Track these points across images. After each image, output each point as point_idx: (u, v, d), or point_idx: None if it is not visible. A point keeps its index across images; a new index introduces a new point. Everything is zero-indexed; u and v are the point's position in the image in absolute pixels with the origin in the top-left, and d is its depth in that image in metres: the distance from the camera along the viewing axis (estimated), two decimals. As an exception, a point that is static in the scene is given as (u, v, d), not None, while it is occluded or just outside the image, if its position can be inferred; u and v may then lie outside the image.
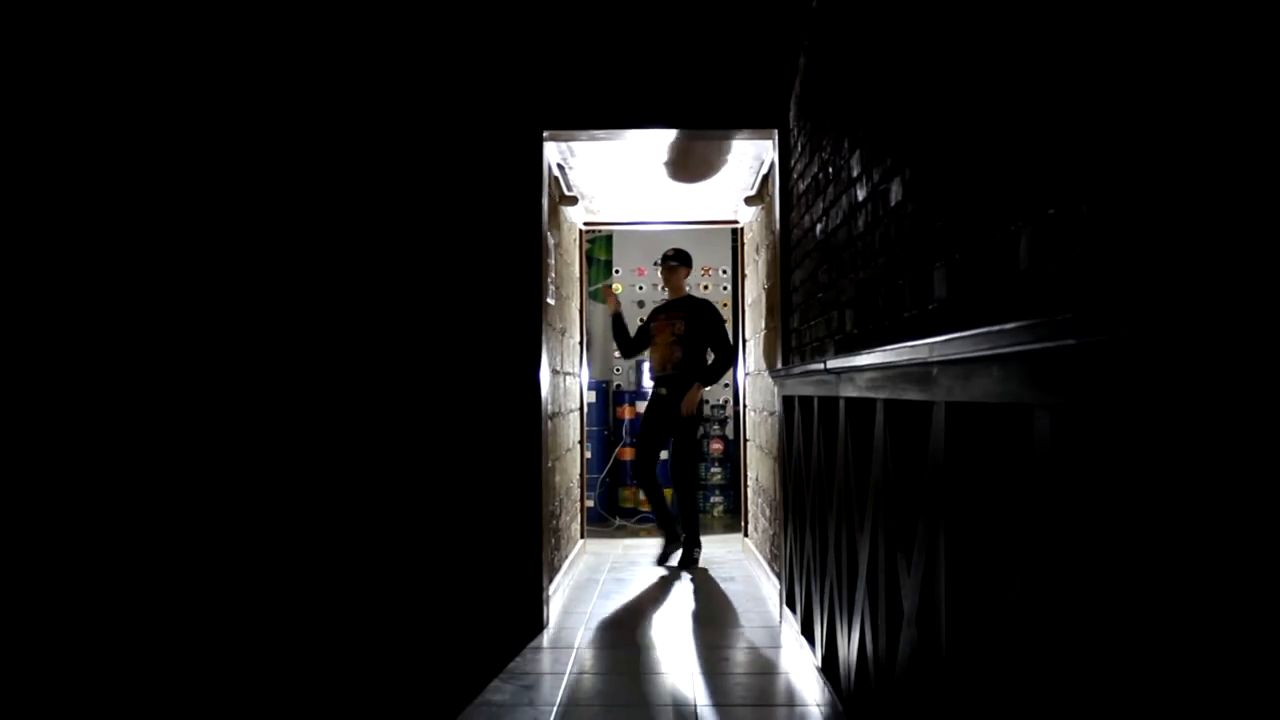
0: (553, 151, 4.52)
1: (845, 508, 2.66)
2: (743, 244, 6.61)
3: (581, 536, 6.23)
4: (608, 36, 4.22)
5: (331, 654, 3.83)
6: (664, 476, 6.89)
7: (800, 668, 3.47)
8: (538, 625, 4.13)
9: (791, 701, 3.17)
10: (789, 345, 4.13)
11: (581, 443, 6.39)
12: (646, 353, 6.08)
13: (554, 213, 4.95)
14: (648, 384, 5.86)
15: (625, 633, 4.12)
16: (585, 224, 6.60)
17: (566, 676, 3.47)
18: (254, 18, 4.10)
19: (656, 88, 4.20)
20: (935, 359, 1.67)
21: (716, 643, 3.94)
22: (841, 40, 3.01)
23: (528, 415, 4.15)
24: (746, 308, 6.32)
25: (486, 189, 4.18)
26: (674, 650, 3.83)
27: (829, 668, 3.02)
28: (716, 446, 7.80)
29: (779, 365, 4.23)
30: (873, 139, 2.53)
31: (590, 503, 6.91)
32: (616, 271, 8.18)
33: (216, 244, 4.04)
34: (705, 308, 5.77)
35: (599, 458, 7.35)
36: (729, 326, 6.16)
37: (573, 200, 5.52)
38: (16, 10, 3.91)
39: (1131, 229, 1.12)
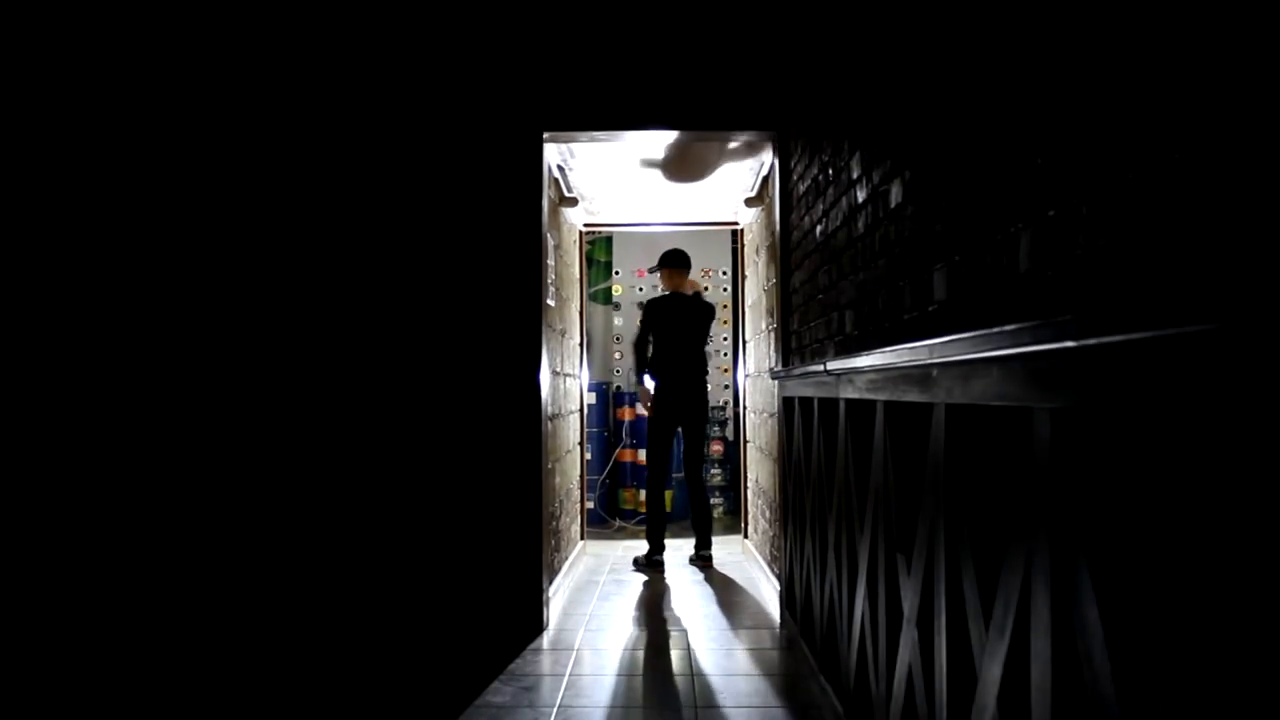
0: (553, 152, 4.52)
1: (845, 509, 2.66)
2: (743, 245, 6.61)
3: (581, 538, 6.23)
4: (608, 38, 4.22)
5: (332, 655, 3.83)
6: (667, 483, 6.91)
7: (800, 669, 3.47)
8: (538, 627, 4.13)
9: (792, 702, 3.17)
10: (789, 346, 4.13)
11: (581, 444, 6.39)
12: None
13: (554, 214, 4.95)
14: (647, 384, 5.84)
15: (625, 634, 4.12)
16: (585, 225, 6.60)
17: (566, 678, 3.46)
18: (255, 19, 4.10)
19: (657, 89, 4.21)
20: (935, 360, 1.67)
21: (717, 644, 3.94)
22: (842, 42, 3.02)
23: (528, 417, 4.15)
24: (746, 309, 6.32)
25: (486, 190, 4.18)
26: (674, 651, 3.83)
27: (829, 669, 3.02)
28: (717, 448, 7.79)
29: (779, 367, 4.23)
30: (873, 141, 2.53)
31: (590, 504, 6.91)
32: (616, 273, 8.19)
33: (217, 246, 4.05)
34: (709, 307, 5.83)
35: (599, 459, 7.34)
36: (729, 328, 6.16)
37: (573, 201, 5.52)
38: (21, 10, 3.91)
39: (1131, 230, 1.12)
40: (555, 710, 3.10)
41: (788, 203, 4.19)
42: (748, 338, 6.23)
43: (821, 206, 3.31)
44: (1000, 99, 1.60)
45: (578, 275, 6.39)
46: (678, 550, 5.95)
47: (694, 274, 7.94)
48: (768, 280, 5.01)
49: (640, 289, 8.25)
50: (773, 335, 4.61)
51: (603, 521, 7.26)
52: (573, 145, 4.50)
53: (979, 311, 1.66)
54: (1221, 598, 0.88)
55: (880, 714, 2.23)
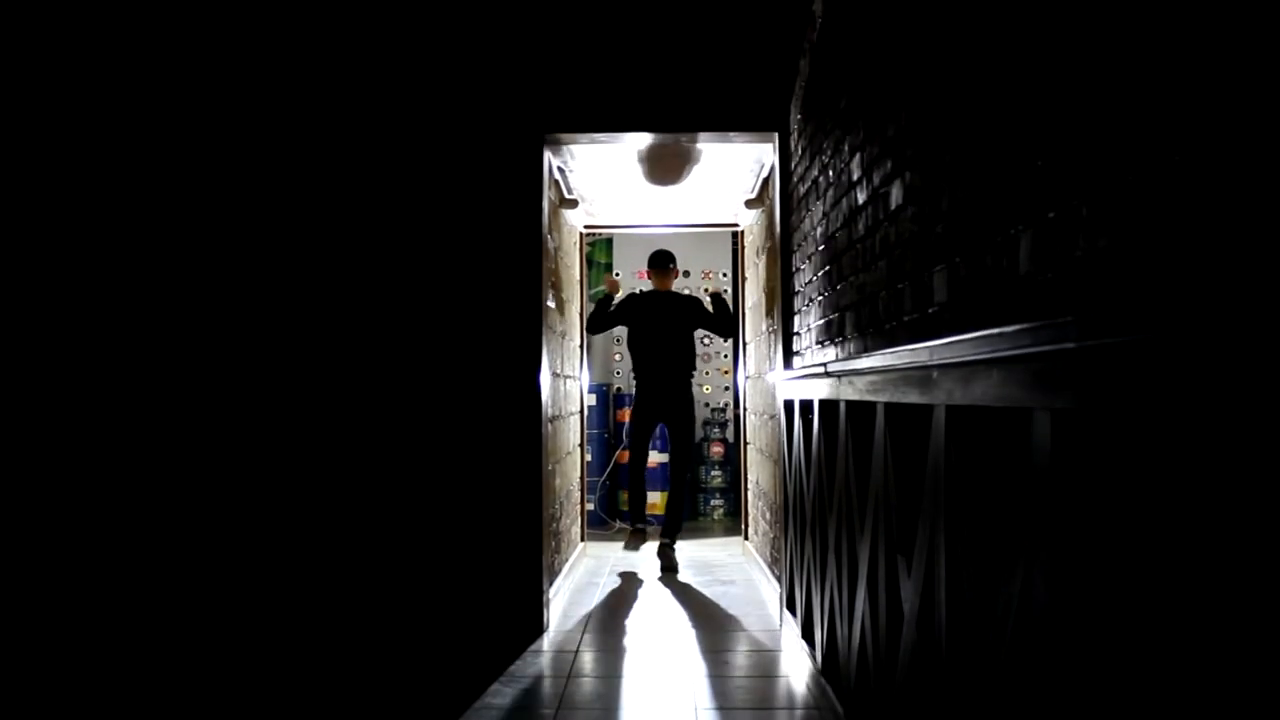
0: (553, 154, 4.52)
1: (845, 510, 2.66)
2: (743, 247, 6.62)
3: (581, 539, 6.23)
4: (608, 40, 4.22)
5: (332, 656, 3.83)
6: (662, 479, 6.92)
7: (801, 670, 3.47)
8: (538, 628, 4.13)
9: (792, 704, 3.17)
10: (789, 348, 4.14)
11: (582, 446, 6.39)
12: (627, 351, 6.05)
13: (554, 215, 4.95)
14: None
15: (625, 636, 4.12)
16: (585, 227, 6.60)
17: (566, 679, 3.46)
18: (256, 21, 4.11)
19: (657, 91, 4.21)
20: (935, 362, 1.67)
21: (717, 646, 3.93)
22: (842, 43, 3.02)
23: (528, 418, 4.16)
24: (747, 310, 6.32)
25: (487, 192, 4.18)
26: (674, 653, 3.83)
27: (830, 670, 3.02)
28: (717, 449, 7.79)
29: (779, 368, 4.23)
30: (873, 142, 2.54)
31: (590, 506, 6.91)
32: (617, 274, 8.19)
33: (218, 248, 4.05)
34: (690, 299, 6.00)
35: (599, 461, 7.34)
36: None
37: (573, 203, 5.52)
38: (22, 10, 3.91)
39: (1131, 232, 1.12)
40: (555, 711, 3.10)
41: (788, 204, 4.19)
42: (748, 339, 6.23)
43: (821, 208, 3.31)
44: (1001, 101, 1.60)
45: (578, 276, 6.39)
46: (679, 552, 5.94)
47: (694, 275, 7.98)
48: (768, 282, 5.01)
49: (640, 290, 8.25)
50: (773, 337, 4.61)
51: (603, 523, 7.26)
52: (573, 147, 4.51)
53: (979, 313, 1.67)
54: (1222, 598, 0.88)
55: (881, 716, 2.23)
